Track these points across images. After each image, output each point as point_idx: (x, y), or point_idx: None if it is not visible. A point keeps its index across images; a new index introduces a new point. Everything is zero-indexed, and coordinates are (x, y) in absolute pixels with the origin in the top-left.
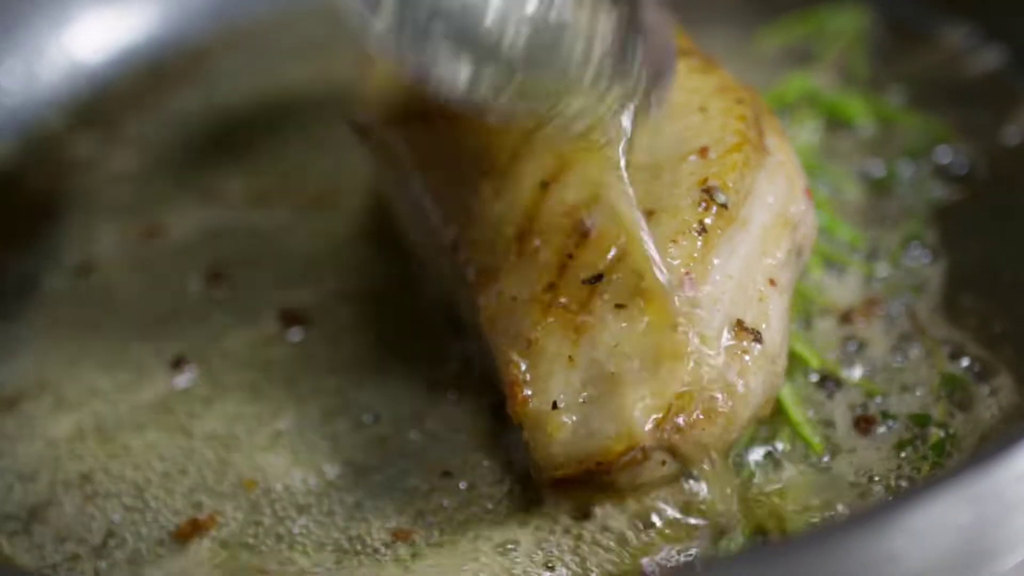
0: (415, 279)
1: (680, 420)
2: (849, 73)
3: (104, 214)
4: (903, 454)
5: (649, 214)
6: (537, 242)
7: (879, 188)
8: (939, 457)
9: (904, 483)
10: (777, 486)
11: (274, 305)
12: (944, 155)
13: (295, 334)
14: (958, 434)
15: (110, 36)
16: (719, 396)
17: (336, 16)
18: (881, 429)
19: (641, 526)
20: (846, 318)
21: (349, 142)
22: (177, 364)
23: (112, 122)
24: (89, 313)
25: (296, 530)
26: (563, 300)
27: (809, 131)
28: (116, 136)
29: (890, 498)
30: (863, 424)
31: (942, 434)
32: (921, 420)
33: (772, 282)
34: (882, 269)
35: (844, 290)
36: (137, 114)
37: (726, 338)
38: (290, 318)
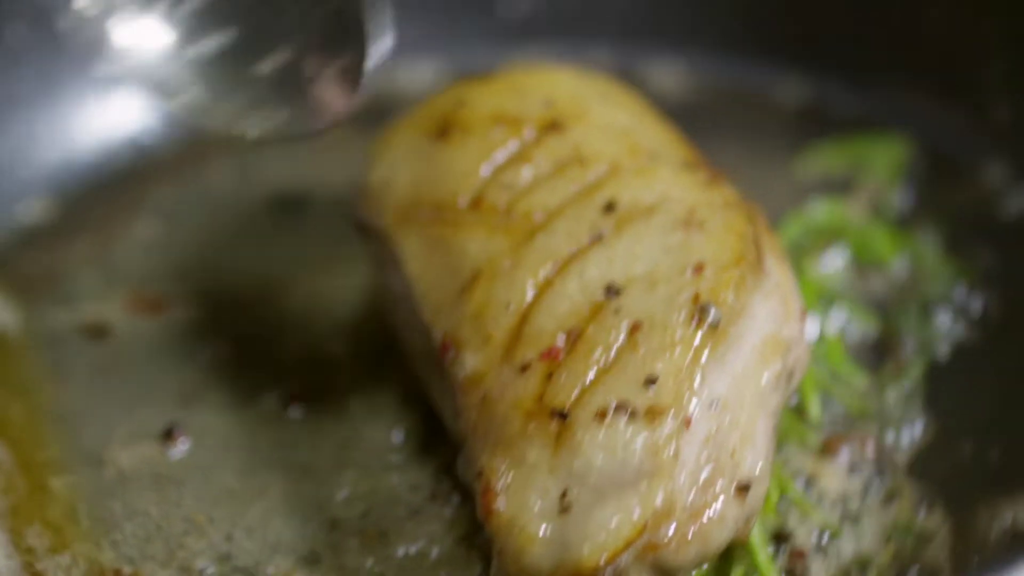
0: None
1: (655, 539)
2: (882, 205)
3: (121, 280)
4: None
5: (637, 327)
6: (525, 349)
7: (892, 325)
8: None
9: None
10: None
11: (276, 384)
12: (965, 298)
13: (293, 412)
14: None
15: (152, 102)
16: (697, 517)
17: (382, 91)
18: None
19: None
20: (826, 449)
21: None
22: (171, 435)
23: (146, 190)
24: (94, 377)
25: None
26: (546, 409)
27: (830, 260)
28: (147, 204)
29: None
30: (797, 559)
31: None
32: (863, 563)
33: (759, 404)
34: (875, 405)
35: (831, 420)
36: (172, 184)
37: (708, 458)
38: (290, 397)
